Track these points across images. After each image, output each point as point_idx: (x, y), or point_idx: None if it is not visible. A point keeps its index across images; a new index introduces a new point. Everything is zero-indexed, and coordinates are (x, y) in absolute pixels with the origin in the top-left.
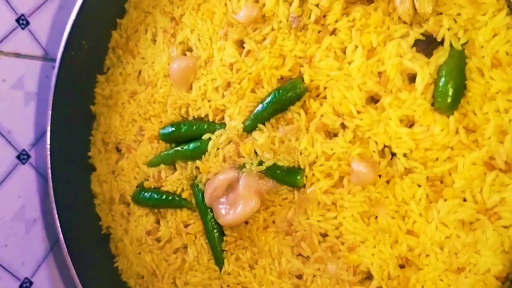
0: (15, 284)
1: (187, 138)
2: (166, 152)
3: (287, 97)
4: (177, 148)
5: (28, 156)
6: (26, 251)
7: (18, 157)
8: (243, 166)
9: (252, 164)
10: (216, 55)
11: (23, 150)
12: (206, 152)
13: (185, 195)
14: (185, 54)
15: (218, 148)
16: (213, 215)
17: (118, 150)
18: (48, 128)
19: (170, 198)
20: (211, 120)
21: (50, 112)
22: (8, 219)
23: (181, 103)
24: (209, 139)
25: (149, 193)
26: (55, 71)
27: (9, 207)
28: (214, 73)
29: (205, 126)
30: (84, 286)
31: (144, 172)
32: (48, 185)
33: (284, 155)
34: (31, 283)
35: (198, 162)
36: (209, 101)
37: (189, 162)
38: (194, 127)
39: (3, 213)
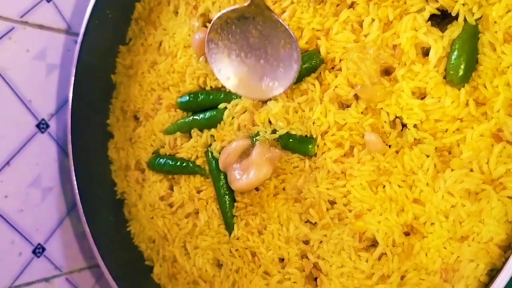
0: (28, 249)
1: (203, 107)
2: (182, 120)
3: (303, 69)
4: (193, 117)
5: (47, 126)
6: (40, 218)
7: (37, 126)
8: (257, 134)
9: (266, 132)
10: None
11: (43, 119)
12: (222, 121)
13: (199, 162)
14: (205, 26)
15: (233, 117)
16: (225, 181)
17: (136, 118)
18: (70, 94)
19: (184, 164)
20: (227, 90)
21: (73, 78)
22: (25, 185)
23: (200, 73)
24: (225, 108)
25: (164, 160)
26: (80, 38)
27: (26, 174)
28: None
29: (222, 96)
30: (98, 248)
31: (160, 140)
32: (68, 149)
33: (297, 124)
34: (43, 249)
35: (213, 131)
36: None
37: (204, 130)
38: (211, 96)
39: (21, 179)
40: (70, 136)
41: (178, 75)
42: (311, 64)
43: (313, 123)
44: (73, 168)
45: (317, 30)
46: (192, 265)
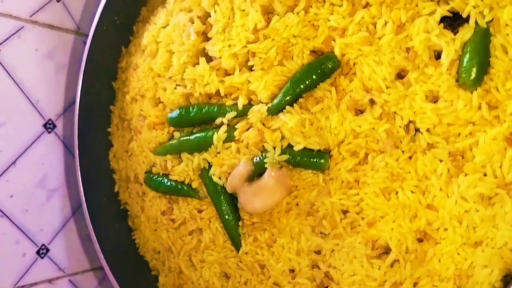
0: (32, 250)
1: (196, 122)
2: (170, 143)
3: (317, 73)
4: (181, 139)
5: (54, 126)
6: (45, 218)
7: (44, 125)
8: (265, 156)
9: (274, 153)
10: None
11: (50, 119)
12: (212, 145)
13: (195, 184)
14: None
15: (233, 139)
16: (227, 203)
17: (131, 128)
18: (78, 94)
19: (179, 186)
20: (218, 102)
21: (81, 79)
22: (30, 185)
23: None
24: (218, 126)
25: (160, 179)
26: (88, 41)
27: (32, 173)
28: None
29: (215, 109)
30: (102, 250)
31: (151, 159)
32: (75, 153)
33: (314, 137)
34: (47, 250)
35: (205, 154)
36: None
37: (195, 154)
38: (203, 110)
39: (26, 179)
40: (76, 138)
41: (156, 80)
42: (328, 68)
43: (330, 133)
44: (79, 170)
45: (333, 30)
46: (199, 276)
